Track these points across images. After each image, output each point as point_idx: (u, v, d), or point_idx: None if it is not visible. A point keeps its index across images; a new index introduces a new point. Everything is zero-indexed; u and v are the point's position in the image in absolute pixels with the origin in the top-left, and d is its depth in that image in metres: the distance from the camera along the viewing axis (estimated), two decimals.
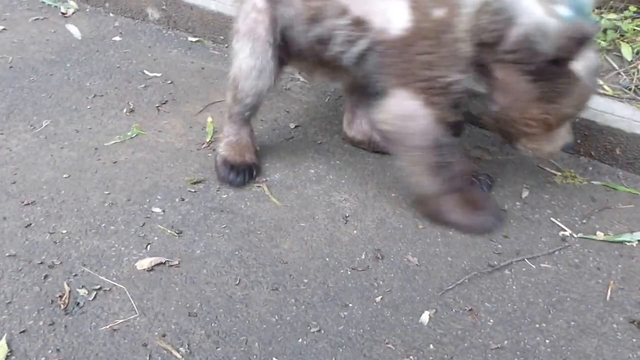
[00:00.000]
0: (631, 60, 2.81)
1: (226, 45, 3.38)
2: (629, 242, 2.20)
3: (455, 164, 2.11)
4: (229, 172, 2.35)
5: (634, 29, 2.98)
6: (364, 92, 2.40)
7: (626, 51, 2.86)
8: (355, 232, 2.18)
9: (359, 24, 1.99)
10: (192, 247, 2.08)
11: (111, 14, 3.67)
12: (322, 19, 2.04)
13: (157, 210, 2.22)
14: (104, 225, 2.14)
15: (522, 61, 1.92)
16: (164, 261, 2.01)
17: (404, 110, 2.00)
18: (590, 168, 2.55)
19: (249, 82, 2.24)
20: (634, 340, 1.85)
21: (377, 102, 2.08)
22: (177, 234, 2.13)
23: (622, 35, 2.96)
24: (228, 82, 2.35)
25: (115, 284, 1.92)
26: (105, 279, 1.93)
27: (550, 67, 1.90)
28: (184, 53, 3.33)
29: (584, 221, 2.28)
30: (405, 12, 1.89)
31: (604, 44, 2.93)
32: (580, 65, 1.93)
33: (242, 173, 2.35)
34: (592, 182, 2.48)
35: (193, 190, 2.33)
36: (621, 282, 2.04)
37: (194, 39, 3.45)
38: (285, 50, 2.24)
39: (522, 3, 1.89)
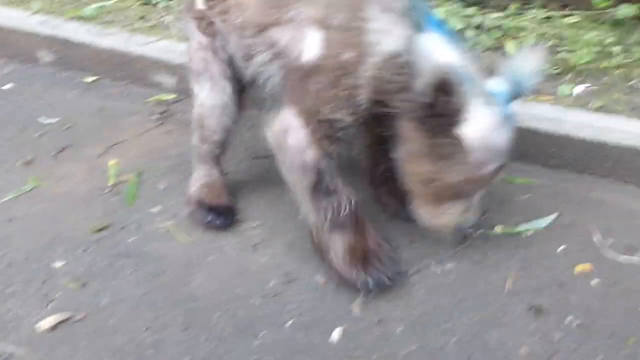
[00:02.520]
0: None
1: (125, 82, 3.35)
2: (525, 231, 2.31)
3: (336, 194, 2.00)
4: (208, 214, 2.31)
5: (516, 27, 3.14)
6: None
7: (510, 47, 3.00)
8: (264, 259, 2.20)
9: (279, 54, 1.99)
10: (98, 298, 2.05)
11: (0, 61, 3.56)
12: (254, 56, 2.06)
13: (59, 264, 2.17)
14: (0, 288, 2.07)
15: (410, 108, 1.84)
16: (68, 317, 1.97)
17: (283, 124, 1.98)
18: None
19: (214, 120, 2.26)
20: (534, 325, 1.95)
21: (269, 119, 2.07)
22: (82, 286, 2.09)
23: (505, 34, 3.11)
24: (193, 122, 2.34)
25: (15, 350, 1.86)
26: (3, 347, 1.87)
27: (430, 118, 1.79)
28: (81, 94, 3.27)
29: (484, 217, 2.37)
30: (318, 45, 1.88)
31: (488, 43, 3.07)
32: (472, 133, 1.79)
33: (223, 215, 2.33)
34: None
35: (97, 238, 2.29)
36: (520, 271, 2.14)
37: (90, 79, 3.39)
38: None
39: (433, 56, 1.81)
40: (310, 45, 1.90)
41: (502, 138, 1.85)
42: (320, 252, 2.11)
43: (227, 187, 2.43)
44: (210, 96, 2.23)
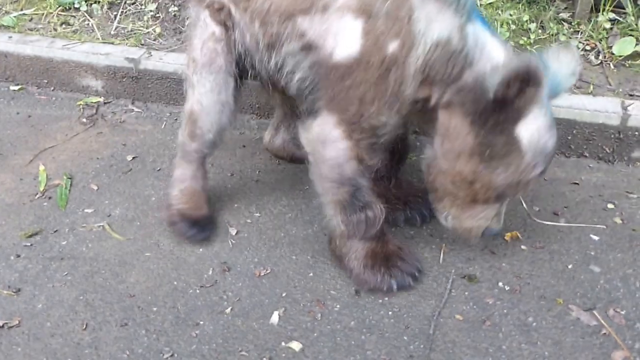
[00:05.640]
0: None
1: (51, 88, 3.28)
2: None
3: (370, 208, 1.92)
4: (191, 227, 2.20)
5: None
6: (293, 110, 2.34)
7: None
8: (201, 250, 2.20)
9: (310, 46, 1.82)
10: (33, 303, 2.01)
11: None
12: (280, 46, 1.89)
13: None
14: None
15: (465, 102, 1.74)
16: (1, 324, 1.92)
17: (322, 135, 1.83)
18: (418, 143, 2.72)
19: (210, 118, 2.09)
20: (466, 293, 2.02)
21: (305, 120, 1.91)
22: (15, 292, 2.05)
23: None
24: (184, 117, 2.19)
25: None
26: None
27: (492, 114, 1.69)
28: (7, 103, 3.19)
29: None
30: (357, 36, 1.70)
31: None
32: (528, 133, 1.72)
33: (206, 227, 2.22)
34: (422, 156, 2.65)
35: (29, 244, 2.25)
36: (452, 243, 2.21)
37: (16, 88, 3.31)
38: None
39: (485, 49, 1.73)
40: (347, 38, 1.73)
41: (551, 141, 1.78)
42: (339, 257, 2.06)
43: (206, 195, 2.31)
44: (211, 92, 2.06)
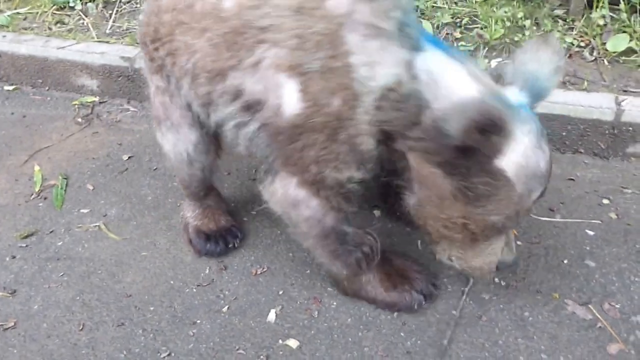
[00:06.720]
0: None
1: (46, 87, 3.28)
2: None
3: (364, 244, 1.84)
4: (206, 242, 2.15)
5: (432, 6, 3.22)
6: None
7: (426, 27, 3.08)
8: None
9: (251, 106, 1.64)
10: (29, 304, 2.01)
11: None
12: (216, 105, 1.73)
13: None
14: None
15: (429, 151, 1.54)
16: None
17: (289, 197, 1.71)
18: None
19: (183, 172, 2.02)
20: (464, 288, 2.02)
21: (263, 175, 1.79)
22: (11, 294, 2.05)
23: (422, 14, 3.19)
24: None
25: None
26: None
27: (462, 160, 1.49)
28: (1, 104, 3.18)
29: None
30: (297, 97, 1.54)
31: None
32: (512, 162, 1.49)
33: (222, 239, 2.16)
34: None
35: (24, 245, 2.25)
36: None
37: (10, 87, 3.30)
38: None
39: (442, 83, 1.51)
40: (288, 98, 1.56)
41: (544, 160, 1.54)
42: (354, 293, 1.98)
43: (224, 209, 2.26)
44: (174, 148, 1.94)
